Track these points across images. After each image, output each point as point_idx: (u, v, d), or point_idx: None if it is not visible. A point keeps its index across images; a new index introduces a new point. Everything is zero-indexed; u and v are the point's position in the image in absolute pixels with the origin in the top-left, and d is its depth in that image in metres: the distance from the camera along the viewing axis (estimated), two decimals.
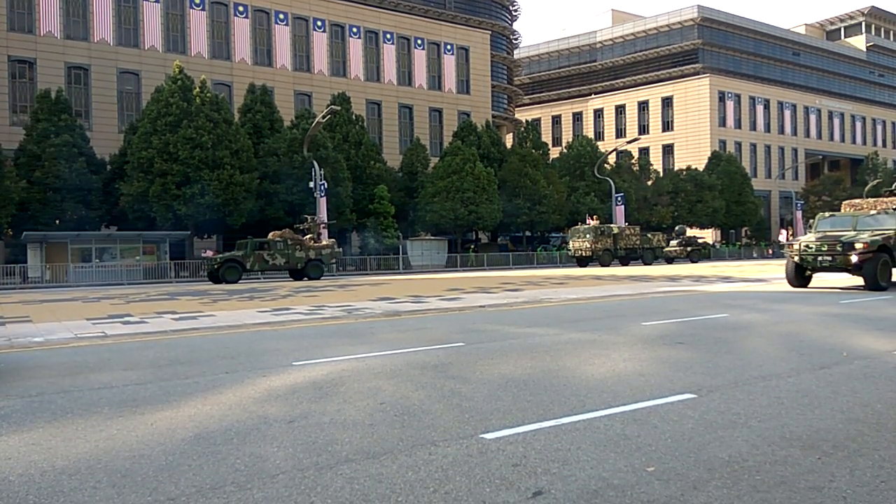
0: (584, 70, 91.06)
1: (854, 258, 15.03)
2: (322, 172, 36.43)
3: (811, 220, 18.37)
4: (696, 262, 43.37)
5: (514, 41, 76.12)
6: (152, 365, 7.37)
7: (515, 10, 74.80)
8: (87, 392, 6.01)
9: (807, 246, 15.98)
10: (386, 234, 42.76)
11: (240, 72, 50.90)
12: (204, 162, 35.44)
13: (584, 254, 39.49)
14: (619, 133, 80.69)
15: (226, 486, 3.55)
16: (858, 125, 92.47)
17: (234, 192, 36.08)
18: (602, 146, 65.43)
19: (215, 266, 28.03)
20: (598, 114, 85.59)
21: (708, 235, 64.20)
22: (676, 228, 47.49)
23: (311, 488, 3.48)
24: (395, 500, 3.29)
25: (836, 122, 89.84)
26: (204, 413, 5.13)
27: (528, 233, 53.21)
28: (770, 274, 24.30)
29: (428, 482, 3.53)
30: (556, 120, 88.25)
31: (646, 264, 40.41)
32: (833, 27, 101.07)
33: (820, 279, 19.11)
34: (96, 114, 46.24)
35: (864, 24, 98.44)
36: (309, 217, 33.30)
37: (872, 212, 16.60)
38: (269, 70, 52.36)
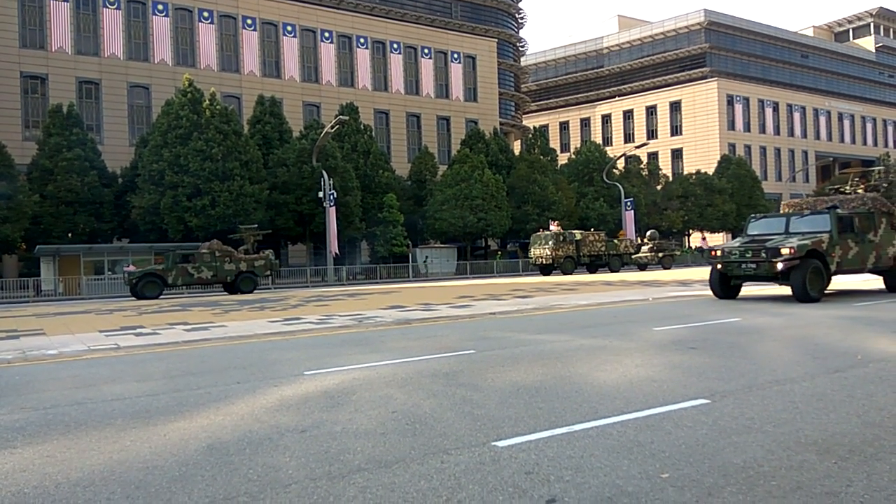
0: (592, 76, 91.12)
1: (780, 266, 13.40)
2: (331, 182, 36.59)
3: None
4: (668, 268, 41.44)
5: (521, 48, 76.32)
6: (165, 376, 7.40)
7: (521, 18, 75.03)
8: (100, 404, 6.04)
9: (730, 252, 14.43)
10: (395, 242, 42.83)
11: (249, 84, 51.30)
12: (214, 173, 35.68)
13: (544, 261, 37.60)
14: (628, 138, 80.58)
15: (239, 496, 3.55)
16: (869, 126, 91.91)
17: (244, 203, 36.28)
18: (610, 151, 65.33)
19: (133, 281, 26.17)
20: (606, 119, 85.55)
21: (719, 239, 63.88)
22: (648, 234, 45.30)
23: (324, 498, 3.47)
24: None
25: (846, 123, 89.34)
26: (216, 423, 5.15)
27: None
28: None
29: (440, 491, 3.52)
30: (564, 126, 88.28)
31: (613, 271, 38.67)
32: (841, 29, 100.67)
33: (756, 289, 17.38)
34: (107, 127, 46.71)
35: (872, 24, 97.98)
36: (243, 227, 31.85)
37: (806, 212, 15.09)
38: (277, 81, 52.72)
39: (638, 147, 59.74)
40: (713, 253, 15.00)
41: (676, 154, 79.31)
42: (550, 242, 37.42)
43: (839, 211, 14.53)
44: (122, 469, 4.09)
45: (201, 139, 35.82)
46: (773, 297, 15.52)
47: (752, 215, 16.13)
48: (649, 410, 5.04)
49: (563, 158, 63.40)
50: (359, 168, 42.94)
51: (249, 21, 52.34)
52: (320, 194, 36.51)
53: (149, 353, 9.51)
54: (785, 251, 13.35)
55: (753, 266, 13.91)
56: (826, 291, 15.83)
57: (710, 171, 63.89)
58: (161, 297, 26.30)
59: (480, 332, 10.57)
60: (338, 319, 13.22)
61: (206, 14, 50.63)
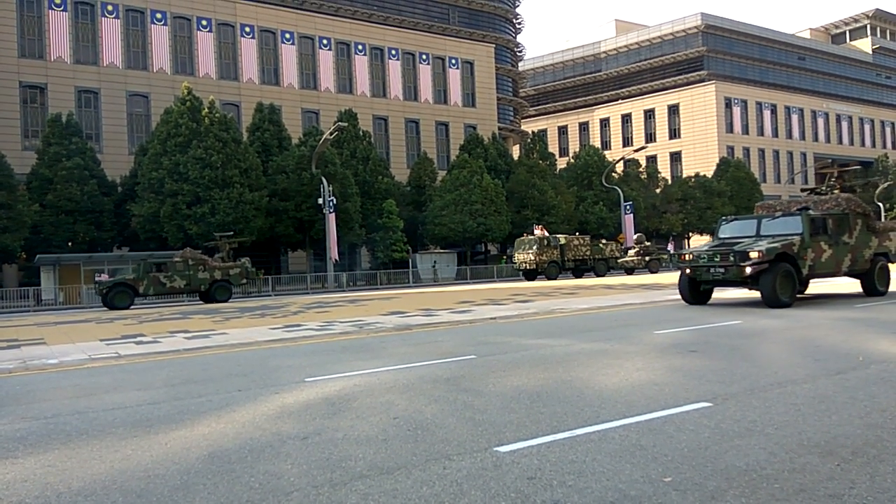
0: (589, 80, 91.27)
1: (748, 269, 12.87)
2: (330, 188, 36.61)
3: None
4: (655, 271, 40.49)
5: (519, 53, 76.49)
6: (166, 384, 7.39)
7: (519, 23, 75.22)
8: (101, 413, 6.03)
9: (698, 256, 13.88)
10: (395, 248, 42.83)
11: (247, 91, 51.39)
12: (214, 181, 35.71)
13: (528, 266, 36.87)
14: (626, 142, 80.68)
15: None
16: (867, 128, 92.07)
17: (244, 210, 36.30)
18: (609, 155, 65.40)
19: (104, 291, 25.65)
20: (605, 123, 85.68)
21: None
22: (635, 237, 44.51)
23: None
24: None
25: (844, 125, 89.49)
26: (218, 431, 5.14)
27: None
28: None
29: (443, 497, 3.51)
30: (563, 130, 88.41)
31: (598, 276, 37.89)
32: (838, 31, 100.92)
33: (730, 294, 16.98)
34: (107, 136, 46.77)
35: (869, 26, 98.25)
36: (217, 235, 31.24)
37: (778, 214, 14.52)
38: (276, 89, 52.82)
39: (636, 150, 59.76)
40: (682, 257, 14.55)
41: (675, 157, 79.40)
42: (534, 247, 36.80)
43: (811, 212, 14.08)
44: (123, 478, 4.08)
45: (200, 147, 35.86)
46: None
47: (723, 217, 15.57)
48: (651, 414, 5.04)
49: (561, 163, 63.46)
50: (358, 174, 42.98)
51: (248, 29, 52.47)
52: (320, 201, 36.53)
53: (149, 361, 9.50)
54: (754, 255, 12.87)
55: (722, 270, 13.39)
56: (804, 295, 15.44)
57: (709, 174, 63.94)
58: (132, 307, 25.73)
59: (481, 337, 10.57)
60: (338, 326, 13.21)
61: (204, 22, 50.76)
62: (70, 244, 36.61)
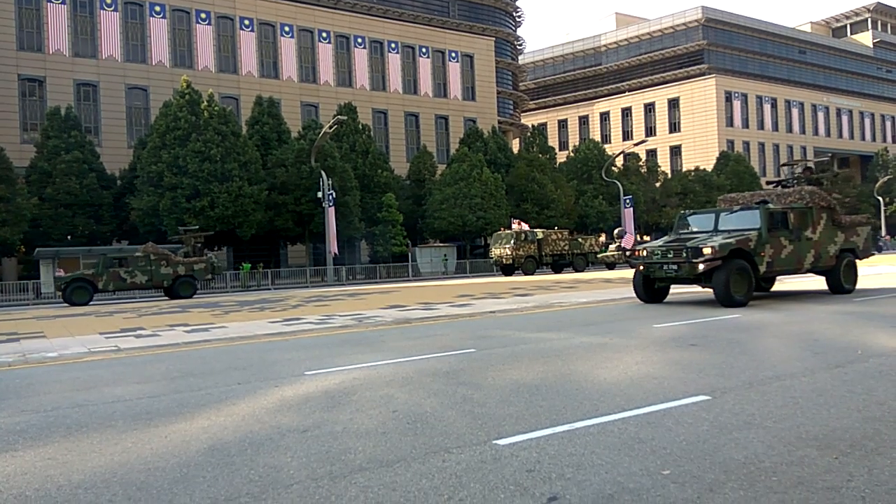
0: (590, 74, 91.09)
1: (701, 266, 12.18)
2: (330, 182, 36.57)
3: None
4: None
5: (519, 47, 76.30)
6: (165, 378, 7.40)
7: (519, 17, 75.01)
8: (101, 406, 6.04)
9: (652, 252, 13.22)
10: (394, 242, 42.82)
11: (247, 85, 51.26)
12: (213, 175, 35.66)
13: (505, 261, 36.15)
14: (626, 136, 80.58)
15: (240, 497, 3.56)
16: (867, 122, 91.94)
17: (243, 204, 36.27)
18: (609, 149, 65.35)
19: (62, 286, 25.24)
20: (605, 117, 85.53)
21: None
22: (616, 231, 43.49)
23: (326, 497, 3.48)
24: None
25: (845, 119, 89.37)
26: (218, 424, 5.15)
27: None
28: None
29: (442, 489, 3.52)
30: (563, 124, 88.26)
31: (577, 271, 37.11)
32: (839, 24, 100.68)
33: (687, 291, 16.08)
34: (105, 130, 46.68)
35: (870, 20, 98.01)
36: (181, 229, 30.60)
37: (736, 208, 13.81)
38: (275, 82, 52.69)
39: (636, 144, 59.70)
40: (635, 253, 13.85)
41: (675, 151, 79.31)
42: (511, 242, 36.04)
43: (770, 206, 13.36)
44: (123, 471, 4.09)
45: (200, 140, 35.80)
46: (768, 294, 15.53)
47: (683, 211, 14.98)
48: (650, 407, 5.05)
49: (561, 156, 63.41)
50: (357, 168, 42.93)
51: (247, 22, 52.29)
52: (319, 194, 36.49)
53: (149, 354, 9.51)
54: (706, 251, 12.15)
55: (675, 267, 12.72)
56: (776, 292, 14.96)
57: (709, 168, 63.91)
58: (90, 303, 25.14)
59: (480, 330, 10.58)
60: (338, 319, 13.22)
61: (203, 15, 50.59)
62: (69, 237, 36.59)
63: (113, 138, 46.44)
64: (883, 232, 67.53)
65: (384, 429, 4.77)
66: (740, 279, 12.29)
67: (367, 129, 47.11)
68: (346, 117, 41.51)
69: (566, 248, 37.90)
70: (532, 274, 35.57)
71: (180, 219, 35.64)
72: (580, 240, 39.17)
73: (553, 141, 77.86)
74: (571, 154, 59.32)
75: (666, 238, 14.33)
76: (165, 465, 4.15)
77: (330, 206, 36.25)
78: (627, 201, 49.58)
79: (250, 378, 7.10)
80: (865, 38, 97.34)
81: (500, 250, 36.46)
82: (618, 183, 51.65)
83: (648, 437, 4.29)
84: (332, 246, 36.68)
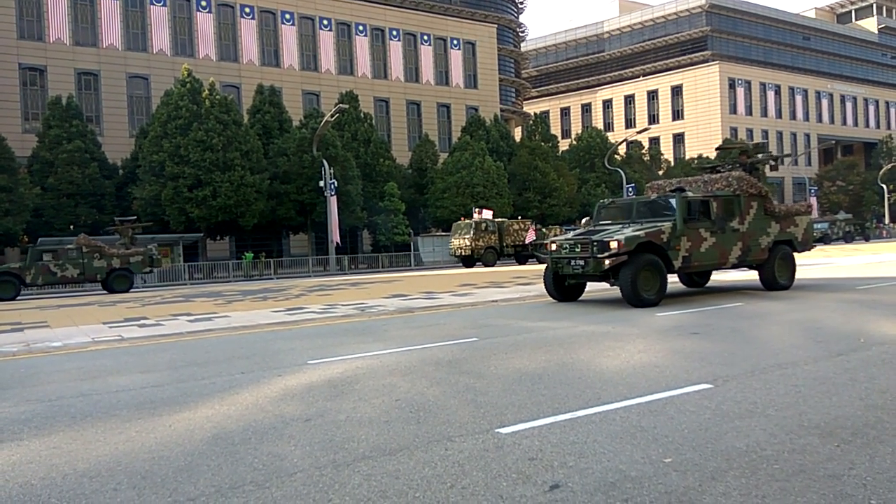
0: (592, 61, 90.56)
1: (607, 262, 11.11)
2: (332, 171, 36.49)
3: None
4: None
5: (521, 34, 75.85)
6: (169, 367, 7.43)
7: (521, 3, 74.51)
8: (105, 395, 6.07)
9: (560, 247, 12.20)
10: (397, 231, 42.79)
11: (248, 73, 51.07)
12: (215, 164, 35.62)
13: (463, 252, 34.23)
14: (629, 123, 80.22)
15: (245, 485, 3.58)
16: (871, 108, 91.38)
17: (245, 193, 36.24)
18: (612, 137, 65.07)
19: None
20: (608, 104, 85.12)
21: None
22: (583, 221, 41.40)
23: (329, 486, 3.50)
24: (412, 496, 3.30)
25: (849, 106, 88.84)
26: (221, 413, 5.17)
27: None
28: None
29: (444, 477, 3.54)
30: (565, 112, 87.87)
31: (540, 262, 33.62)
32: (843, 10, 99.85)
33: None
34: (107, 119, 46.59)
35: (875, 5, 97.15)
36: (118, 219, 29.45)
37: (652, 196, 12.71)
38: (276, 70, 52.48)
39: (639, 132, 59.43)
40: (546, 247, 12.75)
41: (678, 139, 78.97)
42: (470, 232, 34.26)
43: (689, 194, 12.19)
44: (128, 460, 4.12)
45: (201, 129, 35.72)
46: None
47: (602, 200, 13.76)
48: (652, 396, 5.06)
49: (564, 144, 63.18)
50: (359, 157, 42.84)
51: (247, 10, 52.01)
52: (321, 183, 36.41)
53: (153, 344, 9.55)
54: (613, 245, 11.09)
55: (582, 263, 11.65)
56: (711, 286, 14.10)
57: (713, 156, 63.59)
58: (18, 297, 24.34)
59: (483, 319, 10.59)
60: (340, 309, 13.24)
61: (203, 3, 50.32)
62: (72, 227, 36.62)
63: (114, 127, 46.36)
64: (887, 219, 67.37)
65: (387, 417, 4.79)
66: (650, 276, 11.23)
67: (368, 117, 46.95)
68: (347, 106, 41.35)
69: None
70: (492, 265, 34.10)
71: (182, 208, 35.65)
72: (545, 230, 37.58)
73: (555, 129, 77.58)
74: (574, 142, 59.08)
75: (579, 230, 13.35)
76: (170, 454, 4.17)
77: (332, 196, 36.19)
78: (630, 189, 49.44)
79: (253, 367, 7.13)
80: (870, 24, 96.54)
81: (459, 241, 34.71)
82: (620, 171, 51.48)
83: (650, 425, 4.30)
84: (335, 235, 36.66)
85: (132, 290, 26.25)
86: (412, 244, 43.51)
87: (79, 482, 3.76)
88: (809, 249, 14.25)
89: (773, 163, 14.64)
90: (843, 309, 9.93)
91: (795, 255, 13.80)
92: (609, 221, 12.80)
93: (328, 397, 5.53)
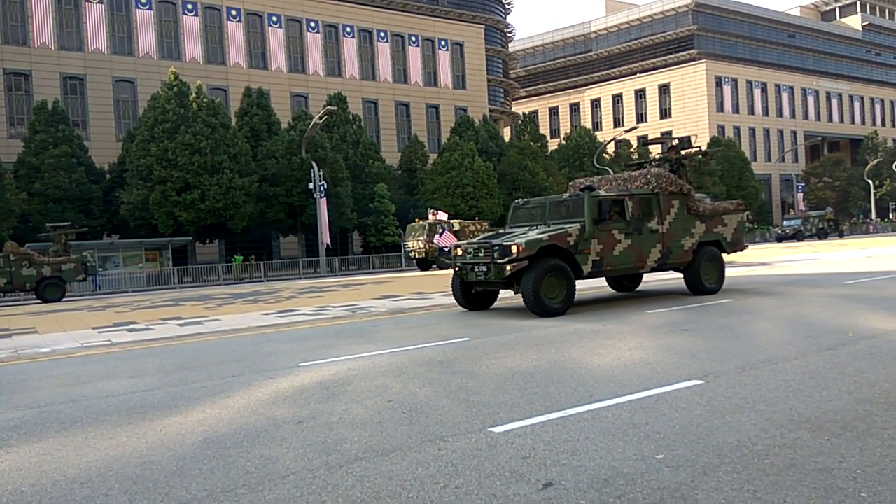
0: (580, 60, 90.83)
1: (508, 268, 10.29)
2: (321, 173, 36.41)
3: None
4: None
5: (509, 34, 75.97)
6: (159, 371, 7.39)
7: (508, 4, 74.64)
8: (95, 401, 6.03)
9: (465, 252, 11.29)
10: (387, 232, 42.75)
11: (235, 76, 50.85)
12: (203, 167, 35.44)
13: (417, 255, 33.42)
14: (617, 122, 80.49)
15: (237, 488, 3.56)
16: (857, 105, 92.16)
17: (234, 196, 36.08)
18: (600, 136, 65.31)
19: None
20: (596, 104, 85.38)
21: None
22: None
23: (322, 488, 3.49)
24: (405, 497, 3.30)
25: (835, 102, 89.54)
26: (213, 417, 5.15)
27: None
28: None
29: (438, 477, 3.54)
30: (554, 111, 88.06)
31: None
32: (828, 8, 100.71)
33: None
34: (93, 123, 46.25)
35: (858, 3, 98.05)
36: (51, 225, 28.66)
37: (564, 196, 11.84)
38: (264, 73, 52.29)
39: (628, 131, 59.43)
40: (453, 251, 11.79)
41: (666, 137, 79.34)
42: (424, 234, 33.34)
43: (599, 193, 11.31)
44: (119, 465, 4.09)
45: (189, 133, 35.54)
46: (761, 279, 15.62)
47: (516, 201, 12.81)
48: (643, 393, 5.08)
49: (553, 144, 63.30)
50: (349, 158, 42.75)
51: (234, 12, 51.80)
52: (310, 186, 36.33)
53: (142, 348, 9.48)
54: (514, 249, 10.25)
55: (484, 269, 10.81)
56: (641, 290, 13.51)
57: None
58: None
59: (474, 319, 10.60)
60: (331, 311, 13.21)
61: (189, 6, 50.07)
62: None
63: (101, 132, 46.02)
64: (873, 214, 68.01)
65: (379, 419, 4.78)
66: (556, 282, 10.40)
67: (357, 119, 46.86)
68: (336, 107, 41.26)
69: None
70: (446, 269, 33.18)
71: (171, 212, 35.44)
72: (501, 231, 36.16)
73: (544, 129, 77.72)
74: (563, 141, 59.21)
75: (486, 234, 12.53)
76: (161, 459, 4.15)
77: (322, 197, 36.11)
78: None
79: (245, 370, 7.10)
80: (854, 22, 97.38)
81: (413, 243, 33.84)
82: (609, 170, 51.59)
83: (642, 422, 4.32)
84: (325, 237, 36.58)
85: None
86: (403, 245, 43.45)
87: (69, 488, 3.73)
88: (741, 250, 13.33)
89: (701, 157, 13.98)
90: (831, 304, 10.01)
91: (734, 255, 12.94)
92: (523, 223, 11.99)
93: (320, 399, 5.51)
